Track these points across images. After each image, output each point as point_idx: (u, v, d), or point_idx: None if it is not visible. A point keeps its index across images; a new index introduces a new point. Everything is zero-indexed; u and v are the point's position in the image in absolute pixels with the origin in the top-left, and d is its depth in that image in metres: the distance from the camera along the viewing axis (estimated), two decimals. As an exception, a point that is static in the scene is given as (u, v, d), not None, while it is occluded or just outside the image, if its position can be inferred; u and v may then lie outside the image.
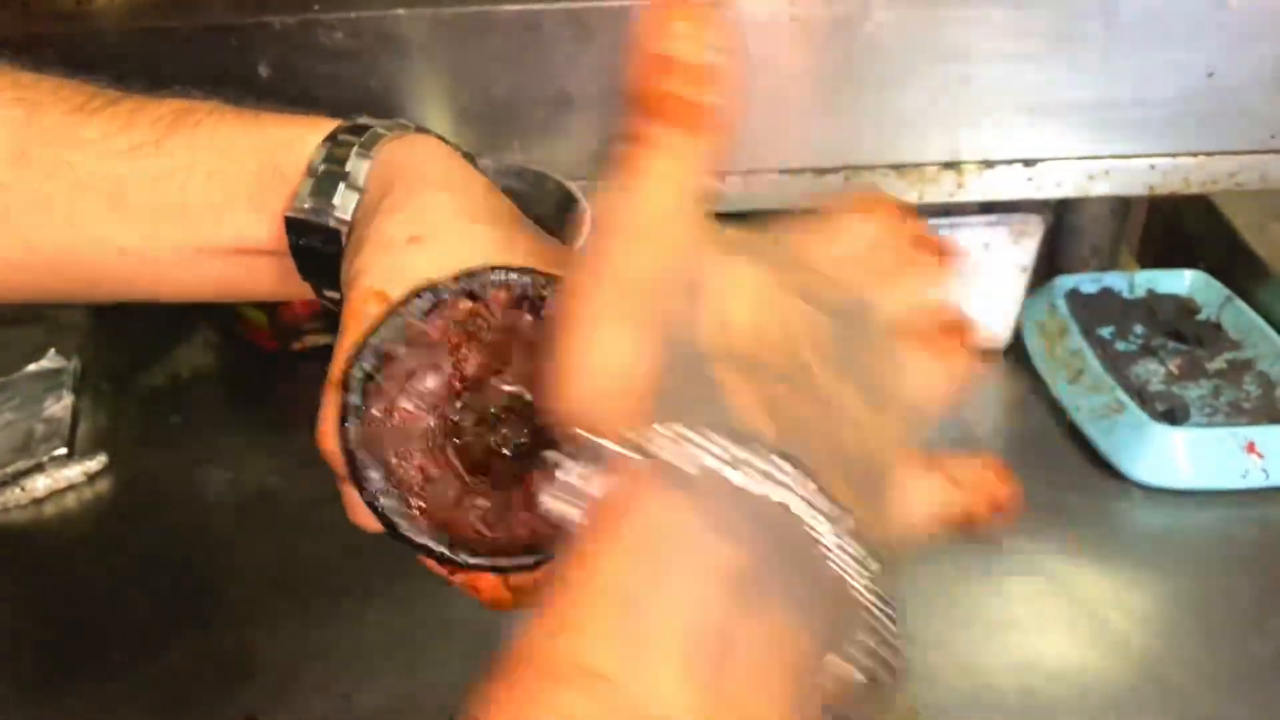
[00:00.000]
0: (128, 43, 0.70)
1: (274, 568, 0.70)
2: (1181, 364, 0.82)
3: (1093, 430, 0.76)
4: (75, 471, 0.76)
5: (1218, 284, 0.86)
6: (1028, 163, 0.74)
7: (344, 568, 0.69)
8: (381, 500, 0.33)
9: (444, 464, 0.34)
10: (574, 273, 0.28)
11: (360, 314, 0.35)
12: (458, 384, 0.35)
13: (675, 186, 0.28)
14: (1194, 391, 0.79)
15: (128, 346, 0.89)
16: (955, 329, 0.32)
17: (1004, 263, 0.82)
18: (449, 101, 0.72)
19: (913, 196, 0.75)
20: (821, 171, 0.74)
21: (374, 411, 0.33)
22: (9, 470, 0.76)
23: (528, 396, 0.35)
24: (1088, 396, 0.78)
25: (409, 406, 0.34)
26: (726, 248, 0.28)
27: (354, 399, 0.33)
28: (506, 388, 0.35)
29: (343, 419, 0.33)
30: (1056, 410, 0.80)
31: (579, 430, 0.26)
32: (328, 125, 0.41)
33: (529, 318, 0.35)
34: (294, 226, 0.40)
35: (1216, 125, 0.72)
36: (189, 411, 0.84)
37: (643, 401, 0.26)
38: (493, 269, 0.35)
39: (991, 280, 0.83)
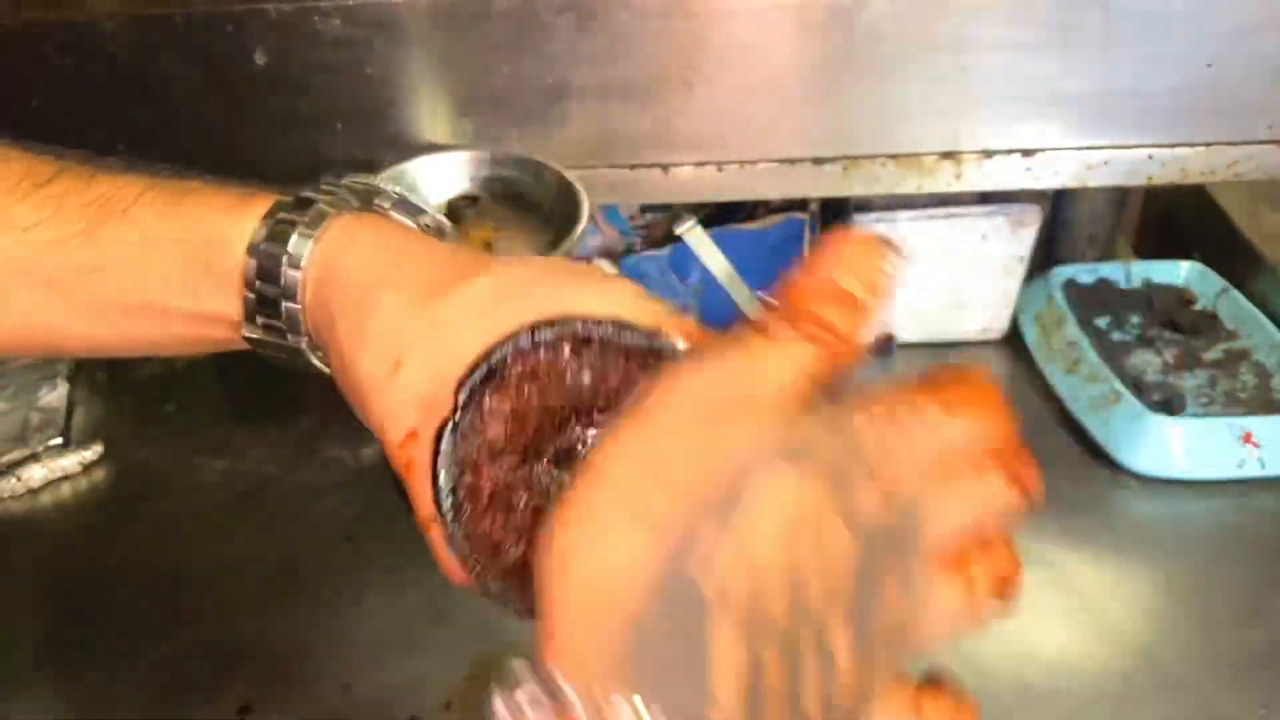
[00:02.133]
0: (122, 30, 0.70)
1: (271, 557, 0.70)
2: (1178, 354, 0.82)
3: (1089, 420, 0.76)
4: (71, 461, 0.76)
5: (1214, 274, 0.86)
6: (1026, 153, 0.74)
7: (341, 556, 0.69)
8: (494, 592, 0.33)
9: (524, 526, 0.34)
10: (608, 437, 0.27)
11: (405, 464, 0.34)
12: (518, 458, 0.34)
13: (771, 381, 0.27)
14: (1190, 381, 0.79)
15: (123, 336, 0.89)
16: (997, 565, 0.30)
17: (1001, 253, 0.82)
18: (447, 90, 0.71)
19: (911, 187, 0.75)
20: (820, 161, 0.74)
21: (472, 519, 0.33)
22: (4, 460, 0.76)
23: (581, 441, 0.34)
24: (1084, 386, 0.78)
25: (501, 519, 0.34)
26: (789, 450, 0.26)
27: (452, 527, 0.33)
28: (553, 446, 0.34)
29: (450, 541, 0.33)
30: (1053, 400, 0.80)
31: (543, 658, 0.25)
32: (249, 216, 0.40)
33: (552, 359, 0.34)
34: (253, 343, 0.40)
35: (1215, 116, 0.72)
36: (184, 401, 0.84)
37: (620, 637, 0.25)
38: (488, 354, 0.33)
39: (989, 271, 0.83)
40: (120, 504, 0.75)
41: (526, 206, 0.70)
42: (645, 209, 0.87)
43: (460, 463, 0.33)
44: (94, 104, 0.72)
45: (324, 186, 0.40)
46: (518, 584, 0.33)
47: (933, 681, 0.30)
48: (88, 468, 0.77)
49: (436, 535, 0.33)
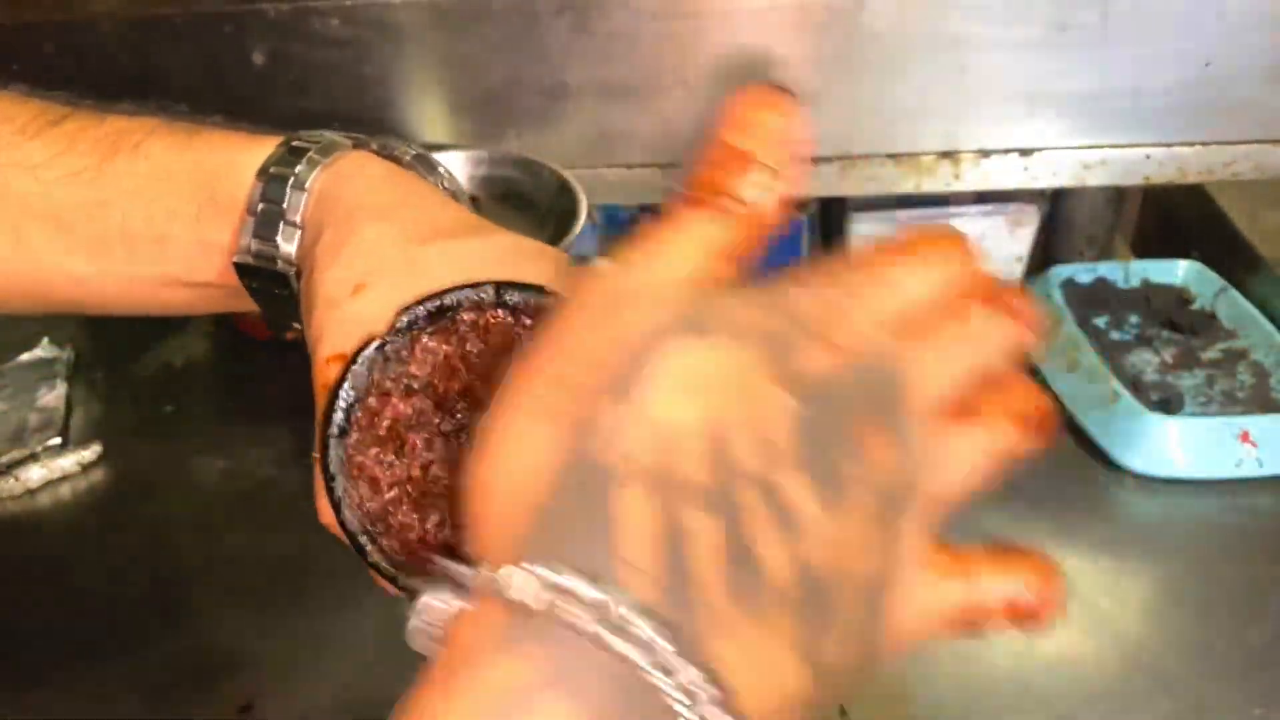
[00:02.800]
0: (121, 30, 0.70)
1: (270, 557, 0.70)
2: (1176, 353, 0.82)
3: (1087, 419, 0.76)
4: (69, 461, 0.76)
5: (1212, 274, 0.86)
6: (1024, 152, 0.74)
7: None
8: (369, 552, 0.33)
9: (420, 505, 0.34)
10: (521, 353, 0.26)
11: (323, 384, 0.34)
12: (430, 418, 0.34)
13: (674, 265, 0.26)
14: (1188, 381, 0.80)
15: (121, 335, 0.89)
16: (1016, 402, 0.28)
17: (1000, 252, 0.82)
18: (444, 90, 0.71)
19: (909, 186, 0.75)
20: (818, 161, 0.74)
21: (357, 477, 0.33)
22: (3, 460, 0.76)
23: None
24: (1083, 386, 0.78)
25: (389, 459, 0.34)
26: (691, 323, 0.25)
27: (334, 469, 0.33)
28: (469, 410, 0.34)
29: (330, 492, 0.33)
30: (1051, 399, 0.80)
31: (440, 558, 0.25)
32: (262, 149, 0.40)
33: (510, 322, 0.34)
34: (243, 271, 0.40)
35: (1213, 115, 0.72)
36: (183, 401, 0.84)
37: (525, 523, 0.24)
38: (442, 293, 0.33)
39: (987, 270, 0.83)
40: (119, 504, 0.75)
41: (525, 206, 0.70)
42: (643, 208, 0.87)
43: (371, 384, 0.33)
44: (92, 104, 0.72)
45: (329, 133, 0.41)
46: (383, 530, 0.33)
47: (998, 549, 0.29)
48: (86, 468, 0.77)
49: (318, 478, 0.33)
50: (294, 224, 0.38)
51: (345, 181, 0.39)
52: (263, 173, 0.39)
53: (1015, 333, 0.29)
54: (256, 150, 0.40)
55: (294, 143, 0.40)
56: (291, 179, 0.38)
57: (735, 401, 0.25)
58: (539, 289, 0.33)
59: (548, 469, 0.24)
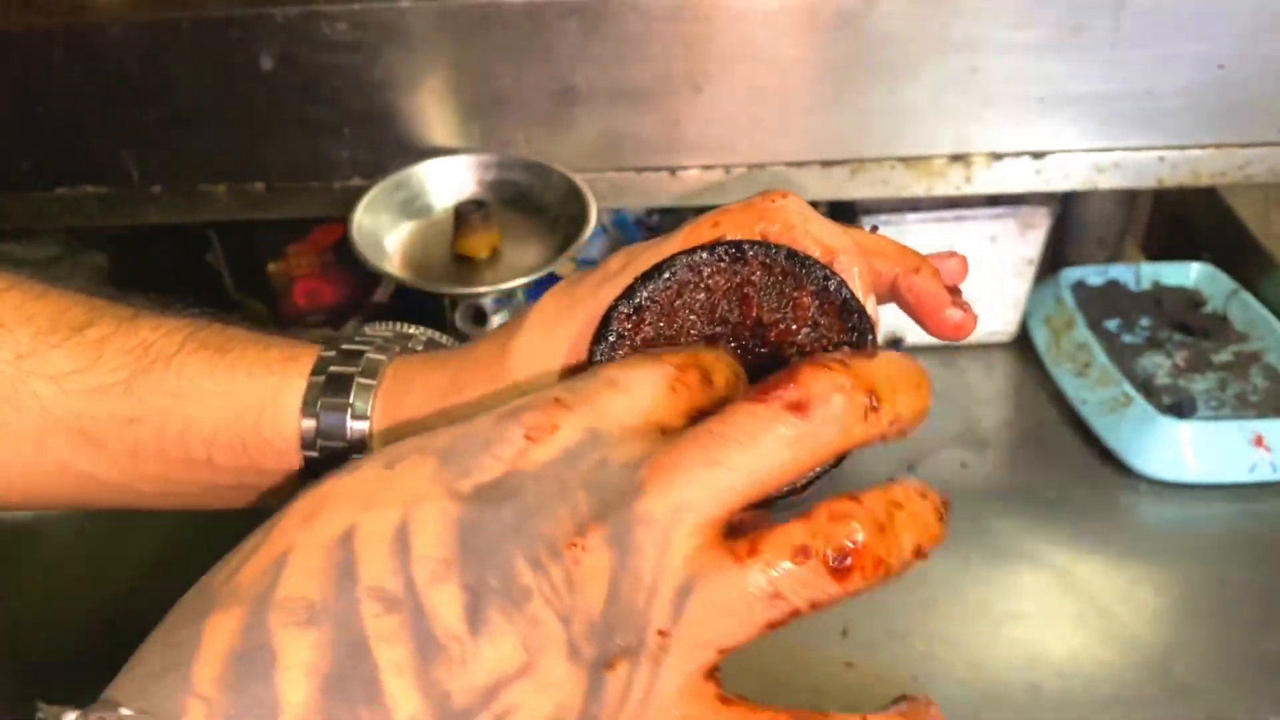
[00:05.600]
0: (129, 35, 0.70)
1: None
2: (1188, 356, 0.82)
3: (1099, 423, 0.76)
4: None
5: (1224, 276, 0.86)
6: (1036, 155, 0.74)
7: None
8: None
9: None
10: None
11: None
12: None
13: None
14: (1200, 384, 0.79)
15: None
16: (811, 520, 0.27)
17: (1011, 255, 0.82)
18: (453, 94, 0.71)
19: (920, 189, 0.75)
20: (829, 164, 0.73)
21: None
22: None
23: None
24: (1094, 389, 0.77)
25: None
26: (384, 456, 0.27)
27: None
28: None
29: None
30: (1063, 403, 0.80)
31: (39, 707, 0.25)
32: (298, 375, 0.39)
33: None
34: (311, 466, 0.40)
35: (1226, 117, 0.71)
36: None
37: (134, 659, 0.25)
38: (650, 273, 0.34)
39: (998, 273, 0.82)
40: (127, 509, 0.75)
41: (534, 210, 0.70)
42: (652, 211, 0.87)
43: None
44: (101, 109, 0.72)
45: (357, 338, 0.40)
46: None
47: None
48: (95, 472, 0.77)
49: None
50: (363, 416, 0.38)
51: (400, 401, 0.38)
52: (310, 409, 0.39)
53: (809, 426, 0.26)
54: (294, 374, 0.39)
55: (331, 369, 0.39)
56: (349, 410, 0.38)
57: (380, 513, 0.25)
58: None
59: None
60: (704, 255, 0.33)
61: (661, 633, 0.25)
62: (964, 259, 0.38)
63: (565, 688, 0.24)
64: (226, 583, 0.25)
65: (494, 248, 0.67)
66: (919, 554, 0.27)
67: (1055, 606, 0.65)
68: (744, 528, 0.26)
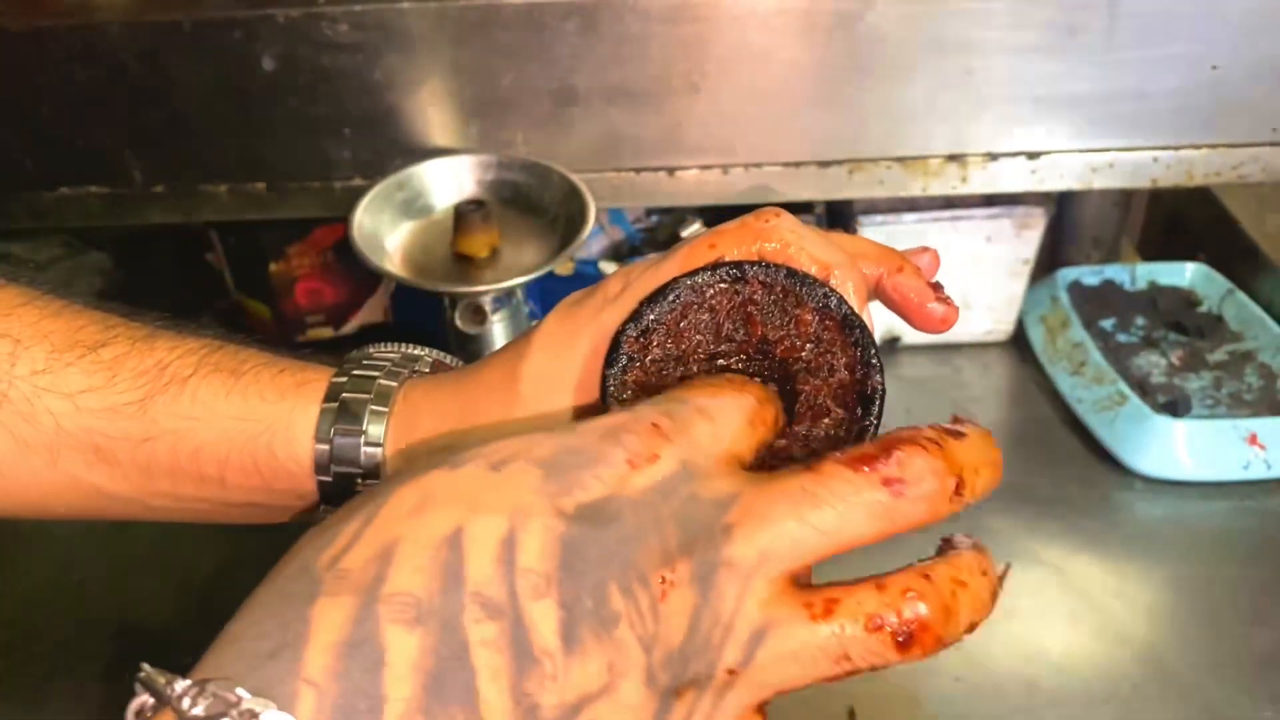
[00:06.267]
0: (132, 35, 0.70)
1: (275, 557, 0.70)
2: (1183, 356, 0.82)
3: (1095, 422, 0.76)
4: (80, 464, 0.76)
5: (1219, 276, 0.86)
6: (1031, 155, 0.74)
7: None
8: None
9: None
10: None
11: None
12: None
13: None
14: (1195, 383, 0.80)
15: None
16: (887, 590, 0.28)
17: (1007, 255, 0.82)
18: (453, 95, 0.72)
19: (916, 189, 0.75)
20: (825, 164, 0.74)
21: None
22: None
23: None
24: (1090, 388, 0.78)
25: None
26: (479, 454, 0.28)
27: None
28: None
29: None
30: (1059, 402, 0.80)
31: (144, 669, 0.24)
32: (311, 401, 0.40)
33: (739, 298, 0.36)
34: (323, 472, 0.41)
35: (1219, 118, 0.72)
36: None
37: (228, 634, 0.25)
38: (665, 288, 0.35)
39: (994, 273, 0.83)
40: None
41: (533, 210, 0.70)
42: (650, 211, 0.88)
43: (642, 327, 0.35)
44: (104, 109, 0.73)
45: (366, 362, 0.41)
46: None
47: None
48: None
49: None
50: (378, 481, 0.39)
51: (413, 426, 0.39)
52: (325, 436, 0.39)
53: (900, 503, 0.28)
54: (307, 400, 0.40)
55: (343, 395, 0.40)
56: (363, 437, 0.39)
57: (488, 518, 0.25)
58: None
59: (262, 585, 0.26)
60: (706, 276, 0.35)
61: (730, 671, 0.26)
62: (936, 253, 0.39)
63: (639, 711, 0.25)
64: (332, 566, 0.25)
65: (493, 247, 0.67)
66: (971, 629, 0.29)
67: (1051, 603, 0.65)
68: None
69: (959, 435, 0.29)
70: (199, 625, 0.67)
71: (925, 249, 0.39)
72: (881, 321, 0.85)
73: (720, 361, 0.35)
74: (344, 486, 0.40)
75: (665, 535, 0.26)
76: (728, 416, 0.30)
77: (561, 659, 0.24)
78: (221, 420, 0.40)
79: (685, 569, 0.26)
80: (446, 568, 0.24)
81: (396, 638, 0.23)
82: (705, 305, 0.35)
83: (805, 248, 0.35)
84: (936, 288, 0.37)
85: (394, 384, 0.40)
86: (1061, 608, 0.65)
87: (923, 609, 0.27)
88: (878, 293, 0.37)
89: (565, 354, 0.36)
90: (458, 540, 0.25)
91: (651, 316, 0.35)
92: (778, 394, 0.34)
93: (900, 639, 0.27)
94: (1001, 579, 0.30)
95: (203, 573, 0.70)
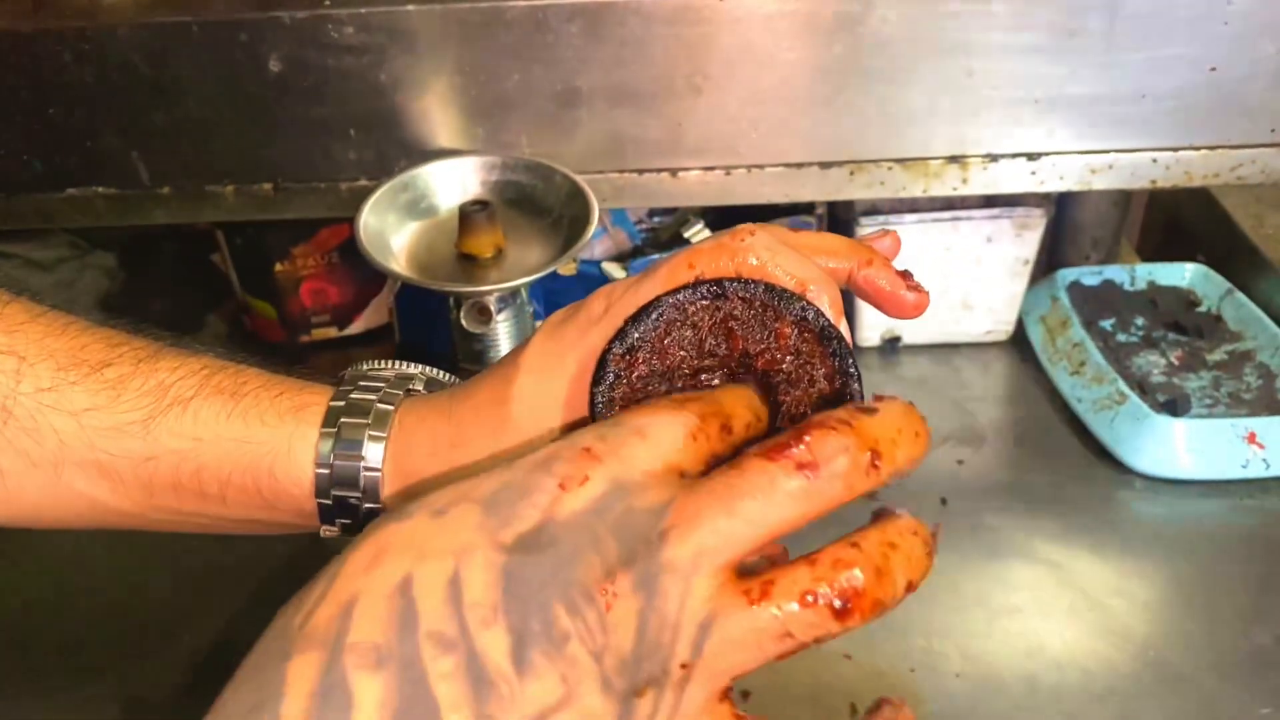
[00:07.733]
0: (137, 37, 0.70)
1: (289, 555, 0.70)
2: (1182, 355, 0.83)
3: (1094, 421, 0.77)
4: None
5: (1218, 276, 0.87)
6: (1031, 156, 0.74)
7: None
8: None
9: None
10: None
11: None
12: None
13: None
14: (1195, 383, 0.80)
15: (137, 339, 0.90)
16: (818, 565, 0.29)
17: (1007, 255, 0.82)
18: (458, 96, 0.72)
19: (916, 190, 0.75)
20: (826, 165, 0.74)
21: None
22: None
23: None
24: (1089, 388, 0.78)
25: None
26: (429, 505, 0.30)
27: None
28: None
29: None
30: (1058, 401, 0.81)
31: None
32: (310, 421, 0.41)
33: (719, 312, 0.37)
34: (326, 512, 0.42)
35: (1219, 119, 0.72)
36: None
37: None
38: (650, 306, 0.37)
39: (994, 273, 0.83)
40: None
41: (537, 210, 0.71)
42: (653, 212, 0.88)
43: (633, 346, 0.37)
44: (110, 110, 0.73)
45: (361, 384, 0.42)
46: None
47: None
48: (104, 469, 0.77)
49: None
50: (377, 505, 0.41)
51: (409, 450, 0.40)
52: (324, 461, 0.41)
53: (818, 484, 0.29)
54: (305, 423, 0.41)
55: (342, 420, 0.41)
56: (362, 463, 0.40)
57: (434, 563, 0.27)
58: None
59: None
60: (688, 294, 0.36)
61: (684, 665, 0.28)
62: (896, 234, 0.41)
63: (600, 716, 0.27)
64: (302, 627, 0.27)
65: (498, 247, 0.68)
66: (910, 589, 0.29)
67: (1051, 600, 0.66)
68: (757, 566, 0.29)
69: (871, 411, 0.30)
70: (200, 625, 0.68)
71: (886, 232, 0.41)
72: (881, 321, 0.86)
73: (704, 376, 0.36)
74: (343, 507, 0.41)
75: (605, 550, 0.28)
76: (664, 433, 0.31)
77: (516, 680, 0.26)
78: (223, 442, 0.41)
79: (626, 579, 0.28)
80: (401, 614, 0.27)
81: (362, 682, 0.26)
82: (688, 322, 0.36)
83: (780, 264, 0.36)
84: (906, 275, 0.38)
85: (390, 408, 0.41)
86: (1061, 605, 0.66)
87: (856, 575, 0.28)
88: (850, 286, 0.39)
89: (552, 374, 0.37)
90: (408, 587, 0.27)
91: (636, 334, 0.36)
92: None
93: (837, 608, 0.28)
94: (934, 536, 0.30)
95: (204, 573, 0.70)
